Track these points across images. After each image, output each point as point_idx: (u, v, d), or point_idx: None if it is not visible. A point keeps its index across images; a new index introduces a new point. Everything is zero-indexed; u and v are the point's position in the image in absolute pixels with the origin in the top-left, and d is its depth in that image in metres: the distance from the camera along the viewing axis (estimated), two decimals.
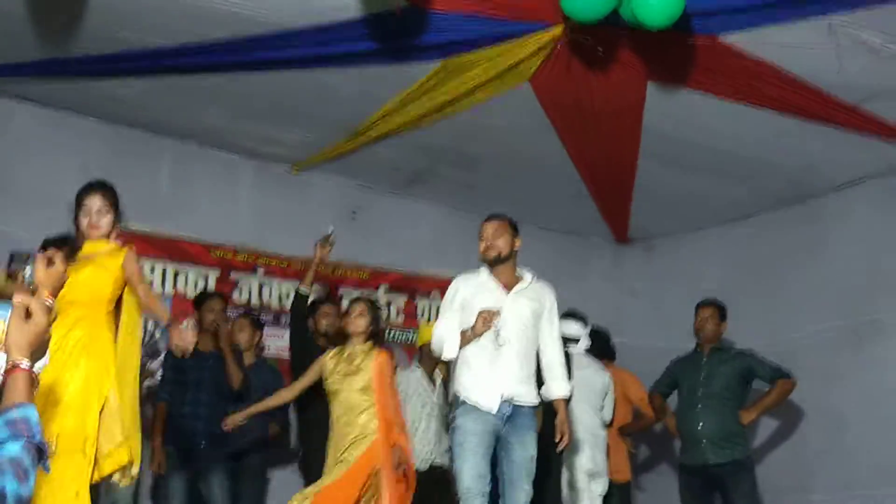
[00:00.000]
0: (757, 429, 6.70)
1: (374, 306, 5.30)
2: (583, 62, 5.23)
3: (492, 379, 4.39)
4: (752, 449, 6.15)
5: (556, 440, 4.46)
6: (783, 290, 7.02)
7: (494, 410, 4.35)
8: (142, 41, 5.15)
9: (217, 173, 6.77)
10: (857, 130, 5.72)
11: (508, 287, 4.56)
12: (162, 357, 5.80)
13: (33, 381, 1.84)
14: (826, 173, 6.52)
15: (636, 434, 6.82)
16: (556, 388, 4.57)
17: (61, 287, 1.95)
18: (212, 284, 6.63)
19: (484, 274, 4.60)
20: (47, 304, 1.95)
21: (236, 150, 6.77)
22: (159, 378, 5.79)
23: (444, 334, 4.54)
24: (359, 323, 5.12)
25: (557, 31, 4.89)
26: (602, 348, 6.42)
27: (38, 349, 1.89)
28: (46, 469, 1.76)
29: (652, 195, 7.02)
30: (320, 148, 6.63)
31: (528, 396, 4.46)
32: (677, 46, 4.95)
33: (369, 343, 5.12)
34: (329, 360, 5.11)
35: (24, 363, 1.83)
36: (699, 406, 5.82)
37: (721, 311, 6.01)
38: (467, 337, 4.45)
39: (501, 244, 4.57)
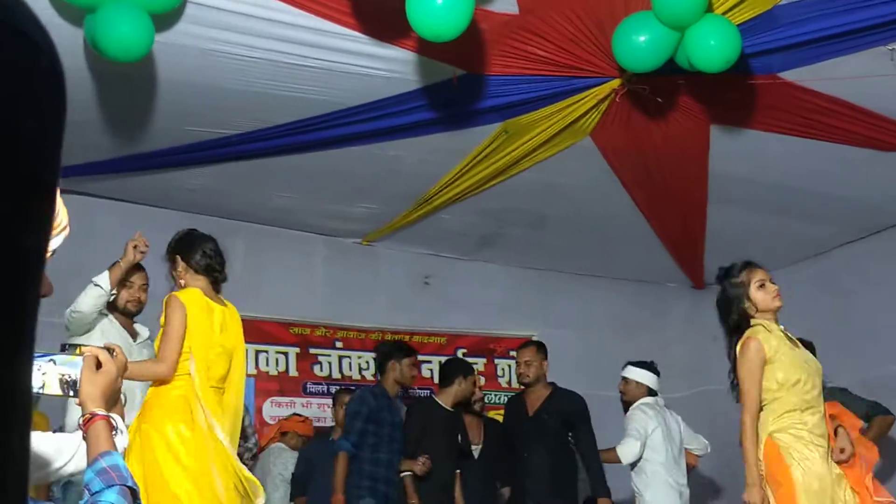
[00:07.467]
0: None
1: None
2: (643, 112, 5.21)
3: None
4: None
5: None
6: (871, 322, 6.80)
7: None
8: (208, 133, 5.31)
9: (290, 251, 6.88)
10: None
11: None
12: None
13: (112, 427, 1.89)
14: None
15: None
16: None
17: (115, 394, 1.99)
18: (292, 362, 6.69)
19: None
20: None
21: (307, 228, 6.88)
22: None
23: None
24: None
25: (615, 83, 4.89)
26: None
27: (111, 397, 1.94)
28: None
29: (726, 238, 6.90)
30: (388, 219, 6.70)
31: None
32: (737, 88, 4.90)
33: None
34: None
35: (101, 412, 1.88)
36: None
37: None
38: None
39: None
